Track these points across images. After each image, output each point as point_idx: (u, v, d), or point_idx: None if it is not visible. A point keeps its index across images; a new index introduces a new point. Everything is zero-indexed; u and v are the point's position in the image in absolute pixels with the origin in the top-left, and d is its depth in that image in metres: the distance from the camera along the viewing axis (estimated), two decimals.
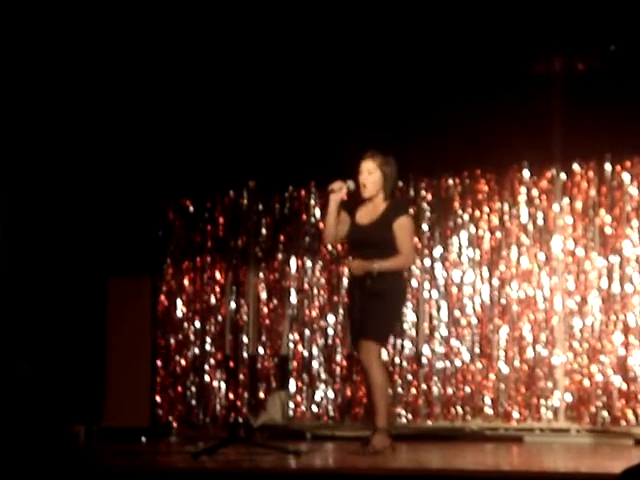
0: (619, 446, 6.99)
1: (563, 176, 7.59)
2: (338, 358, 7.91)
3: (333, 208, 6.04)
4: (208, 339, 8.32)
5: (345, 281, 7.54)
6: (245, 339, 8.20)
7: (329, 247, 6.36)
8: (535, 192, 7.64)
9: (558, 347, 7.46)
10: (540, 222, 7.60)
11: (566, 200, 7.56)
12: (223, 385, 8.24)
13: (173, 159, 8.30)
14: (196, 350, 8.34)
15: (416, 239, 7.51)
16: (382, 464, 5.45)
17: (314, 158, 7.87)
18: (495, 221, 7.71)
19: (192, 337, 8.37)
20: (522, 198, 7.66)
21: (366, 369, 5.92)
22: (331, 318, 7.95)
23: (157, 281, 8.44)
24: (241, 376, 8.12)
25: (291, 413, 8.03)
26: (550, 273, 7.53)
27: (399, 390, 7.75)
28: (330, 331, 7.97)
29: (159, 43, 7.82)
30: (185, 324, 8.39)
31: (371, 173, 6.01)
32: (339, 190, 6.02)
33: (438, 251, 7.82)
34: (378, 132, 7.51)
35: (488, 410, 7.57)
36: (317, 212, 8.07)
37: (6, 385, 7.80)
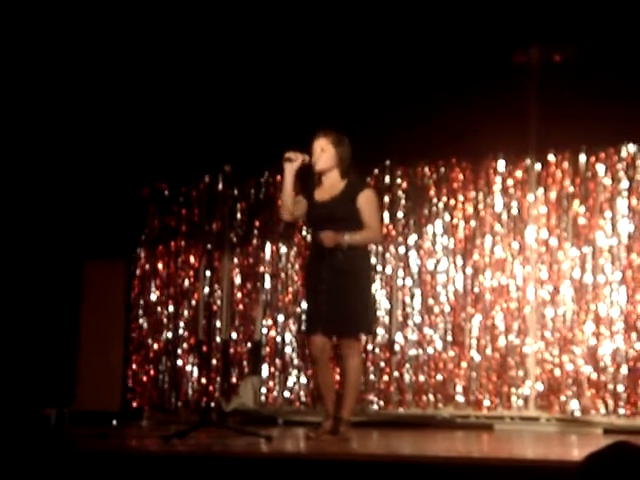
0: (588, 435, 7.05)
1: (538, 166, 7.62)
2: None
3: (289, 179, 5.84)
4: (181, 323, 8.32)
5: None
6: (218, 324, 8.20)
7: (286, 220, 6.08)
8: (510, 181, 7.67)
9: (530, 336, 7.50)
10: (514, 211, 7.63)
11: (540, 190, 7.59)
12: (196, 369, 8.24)
13: (149, 143, 8.27)
14: (169, 334, 8.33)
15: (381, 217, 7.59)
16: (353, 450, 5.47)
17: (290, 143, 7.84)
18: (470, 210, 7.74)
19: (165, 321, 8.36)
20: (497, 187, 7.69)
21: (346, 361, 5.78)
22: (304, 304, 7.95)
23: (131, 265, 8.42)
24: (214, 361, 8.12)
25: (263, 398, 8.04)
26: (523, 262, 7.57)
27: (371, 377, 7.77)
28: (303, 317, 7.97)
29: (135, 29, 7.79)
30: (158, 308, 8.38)
31: (324, 151, 5.87)
32: (295, 159, 5.83)
33: (412, 239, 7.84)
34: (355, 119, 7.51)
35: (459, 398, 7.61)
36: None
37: None
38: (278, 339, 8.07)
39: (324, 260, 5.77)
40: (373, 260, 7.78)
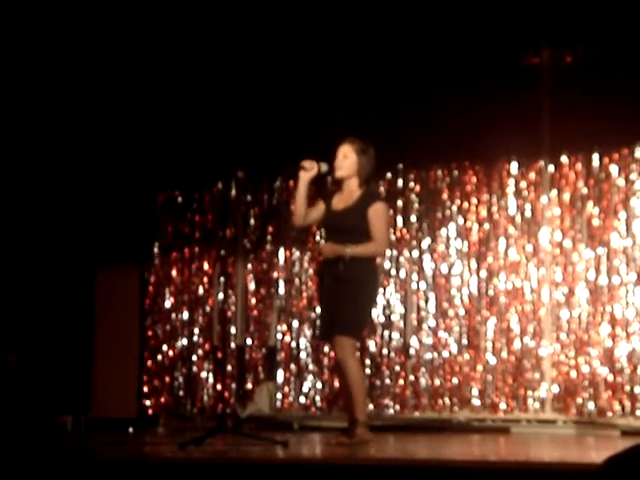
0: (605, 437, 7.02)
1: (551, 168, 7.60)
2: (326, 349, 7.91)
3: (302, 187, 5.90)
4: (196, 330, 8.32)
5: None
6: (233, 330, 8.21)
7: (297, 226, 6.14)
8: (523, 184, 7.65)
9: (545, 338, 7.47)
10: (528, 214, 7.62)
11: (554, 192, 7.57)
12: (211, 376, 8.24)
13: (162, 150, 8.28)
14: (184, 341, 8.34)
15: (392, 229, 7.62)
16: (369, 454, 5.46)
17: (303, 149, 7.84)
18: (483, 213, 7.72)
19: (180, 328, 8.37)
20: (510, 190, 7.67)
21: (342, 364, 5.78)
22: (319, 309, 7.94)
23: (145, 272, 8.43)
24: (229, 367, 8.13)
25: (279, 404, 8.03)
26: (538, 265, 7.55)
27: (387, 381, 7.77)
28: (318, 322, 7.96)
29: (144, 35, 7.81)
30: (173, 315, 8.39)
31: (346, 157, 5.89)
32: (310, 168, 5.88)
33: (426, 242, 7.83)
34: (367, 123, 7.51)
35: (475, 401, 7.59)
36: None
37: None
38: (293, 344, 8.06)
39: (328, 268, 5.87)
40: (387, 264, 7.79)
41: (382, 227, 5.88)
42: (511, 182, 7.68)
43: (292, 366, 8.05)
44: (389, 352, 7.79)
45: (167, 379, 8.35)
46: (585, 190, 7.49)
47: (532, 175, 7.64)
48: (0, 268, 8.00)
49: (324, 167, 5.93)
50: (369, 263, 5.89)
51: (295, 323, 8.07)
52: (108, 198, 8.23)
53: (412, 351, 7.77)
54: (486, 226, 7.71)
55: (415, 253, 7.84)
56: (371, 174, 6.00)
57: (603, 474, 2.65)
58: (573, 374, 7.36)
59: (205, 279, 8.35)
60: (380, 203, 5.93)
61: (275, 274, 8.17)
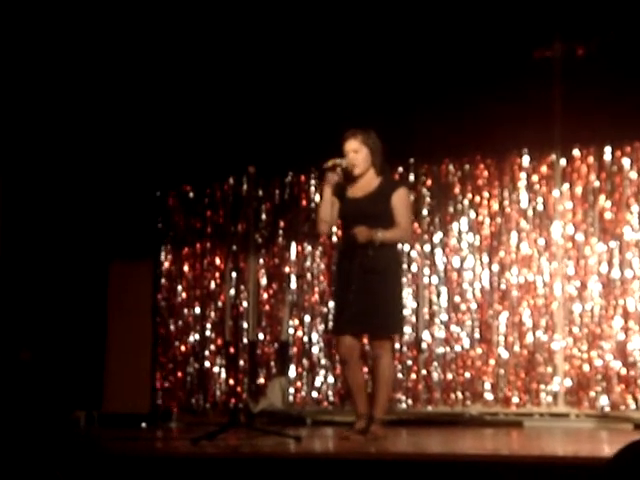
0: (618, 431, 7.01)
1: (563, 161, 7.58)
2: None
3: (328, 193, 5.85)
4: (208, 325, 8.34)
5: None
6: (245, 325, 8.22)
7: (327, 232, 6.08)
8: (535, 177, 7.64)
9: (558, 332, 7.46)
10: (540, 207, 7.60)
11: (566, 185, 7.56)
12: (223, 371, 8.26)
13: (173, 145, 8.29)
14: (196, 336, 8.36)
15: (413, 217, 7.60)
16: (381, 449, 5.46)
17: (314, 143, 7.85)
18: (495, 207, 7.71)
19: (192, 323, 8.38)
20: (522, 184, 7.66)
21: (378, 360, 5.77)
22: (331, 304, 7.94)
23: (157, 267, 8.45)
24: (241, 362, 8.14)
25: (291, 399, 8.04)
26: (550, 258, 7.54)
27: (399, 376, 7.76)
28: (330, 317, 7.97)
29: (154, 30, 7.81)
30: (185, 310, 8.40)
31: (357, 152, 5.86)
32: (334, 172, 5.81)
33: (438, 237, 7.82)
34: (378, 118, 7.49)
35: (488, 395, 7.58)
36: (317, 198, 8.07)
37: (6, 371, 7.82)
38: (305, 339, 8.07)
39: (354, 258, 5.75)
40: None
41: (406, 212, 5.87)
42: (523, 176, 7.66)
43: (304, 361, 8.05)
44: (401, 346, 7.78)
45: (179, 374, 8.36)
46: (597, 183, 7.47)
47: (544, 169, 7.62)
48: (13, 265, 8.03)
49: (344, 163, 5.88)
50: (394, 250, 5.88)
51: (307, 318, 8.08)
52: (120, 194, 8.25)
53: (424, 345, 7.76)
54: (498, 220, 7.69)
55: (427, 247, 7.83)
56: (383, 156, 5.94)
57: (610, 469, 2.65)
58: (586, 368, 7.35)
59: (217, 274, 8.36)
60: (403, 188, 5.93)
61: (287, 269, 8.17)
